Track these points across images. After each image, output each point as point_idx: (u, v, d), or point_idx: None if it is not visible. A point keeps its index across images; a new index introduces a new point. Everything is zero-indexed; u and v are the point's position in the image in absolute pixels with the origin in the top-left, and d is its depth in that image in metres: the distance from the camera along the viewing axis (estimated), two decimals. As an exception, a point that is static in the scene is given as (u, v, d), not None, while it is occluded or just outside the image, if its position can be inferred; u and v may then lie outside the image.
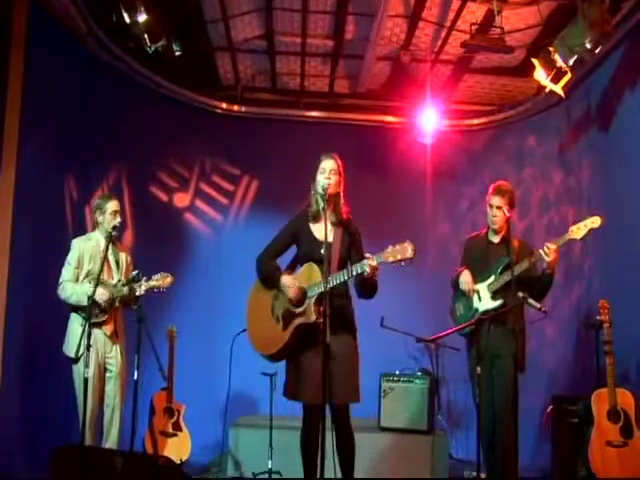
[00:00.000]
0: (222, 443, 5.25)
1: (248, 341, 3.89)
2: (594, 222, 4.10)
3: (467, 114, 7.18)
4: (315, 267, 3.65)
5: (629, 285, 5.02)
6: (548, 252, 4.10)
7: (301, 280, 3.73)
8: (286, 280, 3.73)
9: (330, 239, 3.65)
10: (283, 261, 3.93)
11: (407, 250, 3.35)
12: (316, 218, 3.82)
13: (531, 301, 4.04)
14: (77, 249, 4.53)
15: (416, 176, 6.92)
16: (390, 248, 3.41)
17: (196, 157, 6.92)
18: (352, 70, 6.82)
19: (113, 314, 4.51)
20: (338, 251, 3.75)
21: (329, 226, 3.64)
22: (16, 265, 4.77)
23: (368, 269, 3.45)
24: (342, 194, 3.85)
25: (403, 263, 3.38)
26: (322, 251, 3.60)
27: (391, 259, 3.38)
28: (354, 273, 3.54)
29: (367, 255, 3.50)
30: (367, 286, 3.66)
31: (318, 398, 3.51)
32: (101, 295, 4.34)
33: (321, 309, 3.47)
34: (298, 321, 3.66)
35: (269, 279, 3.84)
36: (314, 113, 7.14)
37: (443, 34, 6.07)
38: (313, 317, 3.58)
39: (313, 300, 3.61)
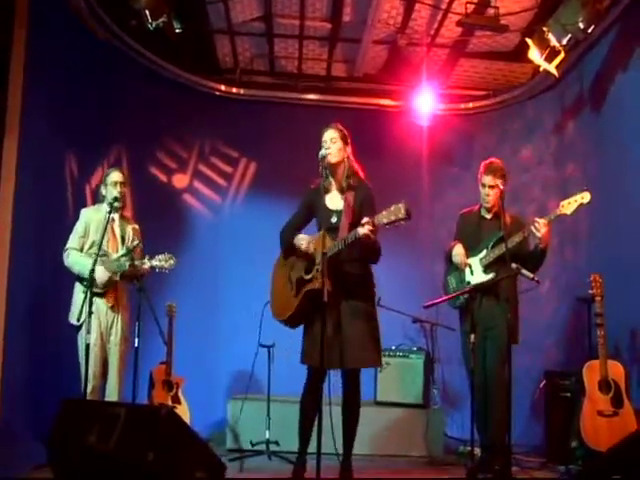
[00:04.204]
0: (221, 416, 5.32)
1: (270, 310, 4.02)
2: (584, 197, 4.15)
3: (463, 98, 7.25)
4: (327, 235, 3.69)
5: (621, 260, 5.10)
6: (538, 227, 4.17)
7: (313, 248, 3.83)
8: (300, 237, 3.88)
9: (340, 207, 3.75)
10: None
11: (400, 210, 3.35)
12: (327, 189, 3.93)
13: (524, 271, 4.12)
14: (84, 218, 4.62)
15: (412, 159, 6.98)
16: (384, 211, 3.44)
17: (195, 138, 6.97)
18: (349, 54, 6.87)
19: (114, 287, 4.55)
20: (348, 218, 3.82)
21: (337, 194, 3.77)
22: (17, 239, 4.79)
23: (361, 233, 3.50)
24: (349, 158, 3.90)
25: (397, 224, 3.40)
26: (332, 220, 3.76)
27: (385, 220, 3.41)
28: (348, 242, 3.61)
29: (363, 220, 3.54)
30: (366, 250, 3.73)
31: (324, 361, 3.59)
32: (100, 276, 4.39)
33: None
34: (307, 287, 3.76)
35: (287, 244, 3.96)
36: (311, 96, 7.19)
37: (439, 17, 6.14)
38: (319, 282, 3.64)
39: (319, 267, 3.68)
